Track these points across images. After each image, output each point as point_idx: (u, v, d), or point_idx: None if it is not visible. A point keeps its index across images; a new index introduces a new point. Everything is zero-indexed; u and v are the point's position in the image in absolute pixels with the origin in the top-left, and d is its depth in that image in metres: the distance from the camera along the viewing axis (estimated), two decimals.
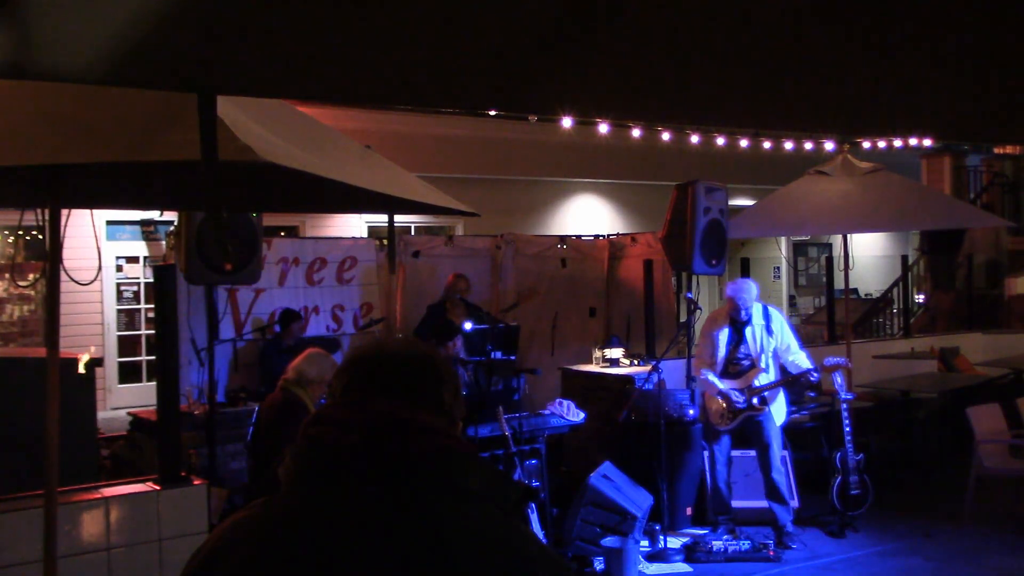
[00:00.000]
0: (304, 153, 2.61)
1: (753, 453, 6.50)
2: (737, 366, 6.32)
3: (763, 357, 6.25)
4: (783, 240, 15.71)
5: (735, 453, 6.53)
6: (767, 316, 6.33)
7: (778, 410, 6.28)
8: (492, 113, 11.25)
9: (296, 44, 1.25)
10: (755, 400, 6.22)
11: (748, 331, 6.31)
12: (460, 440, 1.39)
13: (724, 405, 6.30)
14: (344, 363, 1.49)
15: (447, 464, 1.33)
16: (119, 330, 11.59)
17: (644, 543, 6.16)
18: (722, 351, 6.35)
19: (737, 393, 6.23)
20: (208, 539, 1.39)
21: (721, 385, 6.30)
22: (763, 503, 6.46)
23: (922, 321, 13.14)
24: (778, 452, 6.29)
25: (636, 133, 12.89)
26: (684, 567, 5.93)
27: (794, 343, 6.33)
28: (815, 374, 6.19)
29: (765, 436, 6.24)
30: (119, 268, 11.61)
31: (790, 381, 6.27)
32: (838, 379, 6.61)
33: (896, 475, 7.52)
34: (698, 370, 6.51)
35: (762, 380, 6.23)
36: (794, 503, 6.61)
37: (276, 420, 4.48)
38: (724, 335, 6.37)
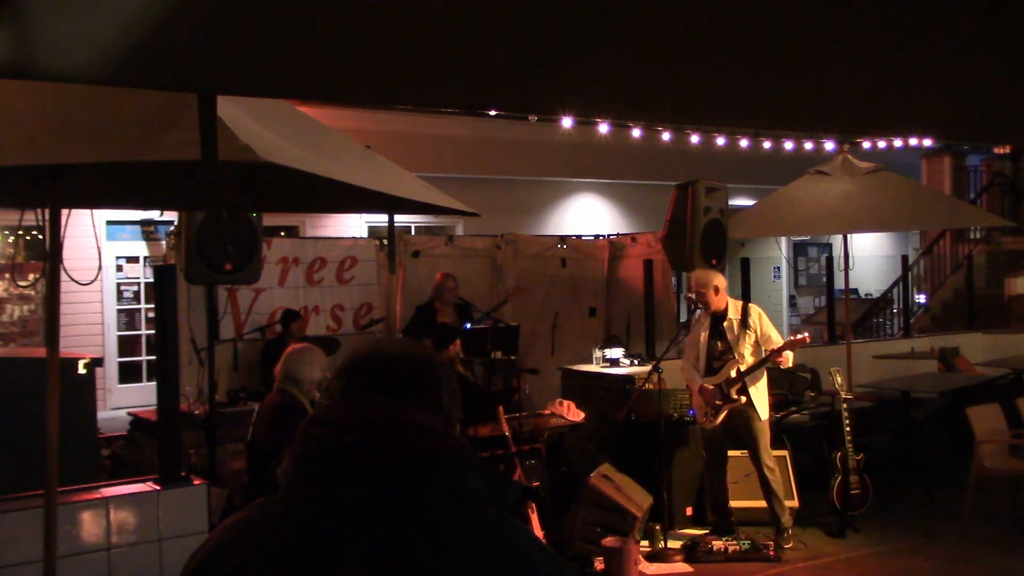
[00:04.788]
0: (304, 153, 2.61)
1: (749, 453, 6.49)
2: (720, 362, 6.32)
3: (741, 349, 6.23)
4: (783, 240, 15.71)
5: (735, 453, 6.52)
6: (744, 310, 6.33)
7: (762, 401, 6.25)
8: (492, 113, 11.29)
9: (296, 44, 1.25)
10: (733, 393, 6.20)
11: (725, 325, 6.31)
12: (459, 440, 1.39)
13: (707, 401, 6.29)
14: (342, 364, 1.49)
15: (446, 464, 1.33)
16: (119, 330, 11.60)
17: (644, 543, 6.16)
18: (703, 348, 6.37)
19: (718, 387, 6.23)
20: (207, 539, 1.39)
21: (700, 381, 6.30)
22: (762, 503, 6.46)
23: (922, 321, 13.15)
24: (766, 446, 6.26)
25: (636, 133, 12.89)
26: (684, 567, 5.93)
27: (774, 333, 6.32)
28: (781, 353, 6.11)
29: (752, 432, 6.23)
30: (119, 268, 11.62)
31: (756, 365, 6.19)
32: (838, 379, 6.61)
33: (896, 475, 7.52)
34: (687, 371, 6.50)
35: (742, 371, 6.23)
36: (793, 503, 6.60)
37: (274, 420, 4.48)
38: (704, 331, 6.38)
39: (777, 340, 6.27)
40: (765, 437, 6.26)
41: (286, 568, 1.27)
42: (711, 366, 6.35)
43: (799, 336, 6.24)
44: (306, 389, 4.52)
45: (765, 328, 6.32)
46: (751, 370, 6.18)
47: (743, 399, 6.20)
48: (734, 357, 6.24)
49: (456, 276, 8.17)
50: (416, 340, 7.30)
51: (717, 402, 6.23)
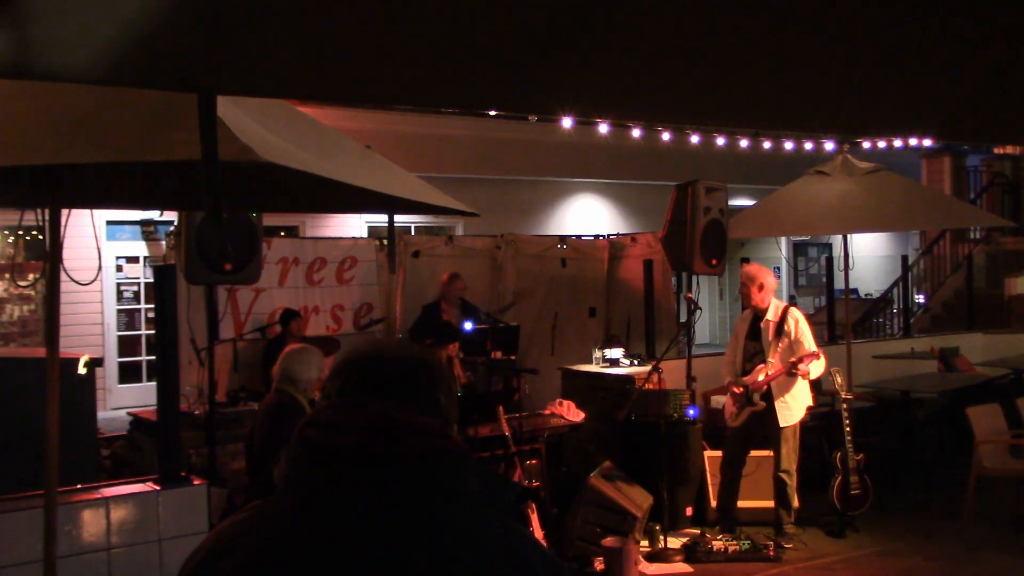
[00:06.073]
0: (304, 153, 2.61)
1: (752, 453, 6.50)
2: (751, 363, 6.31)
3: (770, 353, 6.20)
4: (783, 240, 15.74)
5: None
6: (783, 315, 6.29)
7: (786, 410, 6.21)
8: (492, 113, 11.30)
9: (296, 44, 1.25)
10: (756, 397, 6.19)
11: (761, 326, 6.31)
12: (456, 441, 1.39)
13: (734, 400, 6.31)
14: (339, 364, 1.48)
15: (443, 465, 1.33)
16: (119, 330, 11.60)
17: (644, 543, 6.16)
18: (740, 346, 6.40)
19: (745, 388, 6.23)
20: (204, 541, 1.38)
21: (730, 379, 6.33)
22: (763, 503, 6.46)
23: (922, 321, 13.15)
24: (788, 453, 6.23)
25: (636, 133, 12.90)
26: (684, 567, 5.93)
27: (806, 342, 6.22)
28: (796, 366, 6.10)
29: (774, 435, 6.23)
30: (119, 268, 11.63)
31: (777, 375, 6.16)
32: (838, 379, 6.60)
33: (896, 475, 7.52)
34: (724, 366, 6.55)
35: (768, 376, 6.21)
36: (794, 503, 6.60)
37: (271, 421, 4.48)
38: (745, 328, 6.41)
39: (808, 350, 6.18)
40: (787, 444, 6.23)
41: (283, 570, 1.27)
42: (744, 367, 6.36)
43: (810, 352, 6.19)
44: (302, 388, 4.52)
45: (799, 335, 6.23)
46: (771, 378, 6.17)
47: (762, 404, 6.19)
48: (764, 361, 6.22)
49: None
50: (420, 338, 7.32)
51: (740, 404, 6.26)
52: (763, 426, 6.27)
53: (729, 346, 6.65)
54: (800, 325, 6.28)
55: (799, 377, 6.17)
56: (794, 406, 6.23)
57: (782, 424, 6.18)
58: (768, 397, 6.19)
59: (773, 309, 6.33)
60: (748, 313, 6.48)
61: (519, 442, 6.01)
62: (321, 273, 8.33)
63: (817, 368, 6.18)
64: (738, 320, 6.67)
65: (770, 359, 6.20)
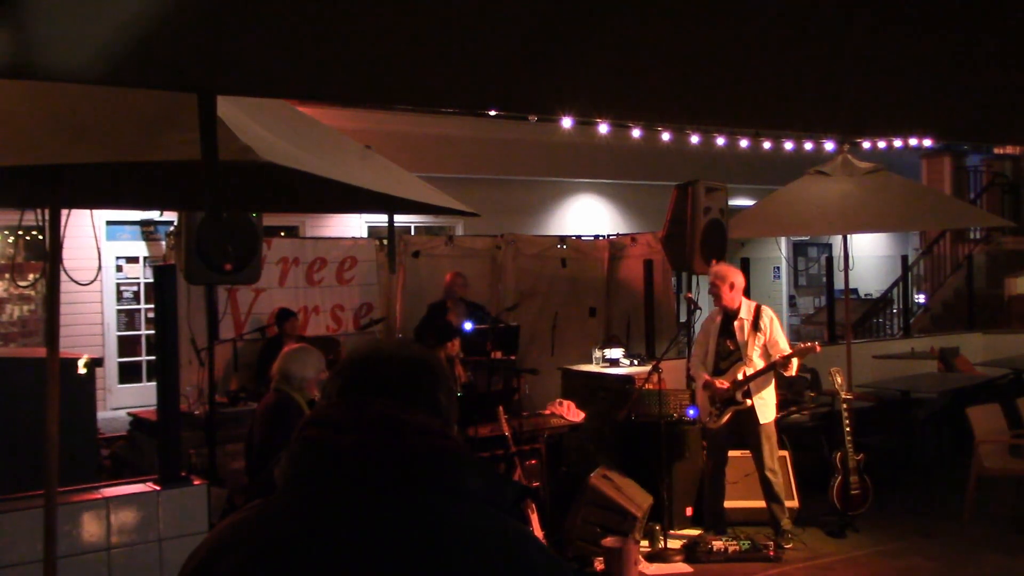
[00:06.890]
0: (304, 153, 2.61)
1: (742, 453, 6.49)
2: (726, 362, 6.31)
3: (748, 351, 6.21)
4: (783, 240, 15.73)
5: (735, 453, 6.52)
6: (757, 312, 6.31)
7: (764, 407, 6.24)
8: (492, 113, 11.28)
9: (296, 44, 1.25)
10: (739, 395, 6.19)
11: (736, 324, 6.31)
12: (456, 441, 1.39)
13: (710, 400, 6.29)
14: (339, 364, 1.49)
15: (443, 464, 1.33)
16: (119, 330, 11.59)
17: (644, 543, 6.16)
18: (711, 346, 6.37)
19: (723, 387, 6.22)
20: (204, 541, 1.38)
21: (707, 378, 6.31)
22: (760, 503, 6.46)
23: (922, 321, 13.15)
24: (771, 450, 6.25)
25: (636, 133, 12.89)
26: (684, 567, 5.93)
27: (782, 340, 6.28)
28: (789, 360, 6.09)
29: (754, 434, 6.23)
30: (119, 268, 11.62)
31: (762, 371, 6.17)
32: (838, 379, 6.60)
33: (896, 475, 7.52)
34: (694, 367, 6.52)
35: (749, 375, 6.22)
36: (793, 503, 6.60)
37: (269, 420, 4.47)
38: (715, 328, 6.39)
39: (784, 347, 6.21)
40: (769, 441, 6.24)
41: (284, 569, 1.27)
42: (718, 366, 6.34)
43: (808, 344, 6.22)
44: (296, 386, 4.51)
45: (775, 334, 6.26)
46: (757, 375, 6.17)
47: (748, 402, 6.19)
48: (741, 359, 6.22)
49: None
50: (425, 338, 7.33)
51: (719, 404, 6.23)
52: (741, 424, 6.26)
53: (697, 345, 6.59)
54: (774, 324, 6.34)
55: (772, 374, 6.20)
56: (770, 402, 6.28)
57: (762, 420, 6.19)
58: (748, 395, 6.21)
59: (745, 308, 6.33)
60: (716, 313, 6.46)
61: (519, 442, 6.01)
62: (321, 273, 8.33)
63: (795, 362, 6.22)
64: (706, 320, 6.61)
65: (751, 357, 6.20)
